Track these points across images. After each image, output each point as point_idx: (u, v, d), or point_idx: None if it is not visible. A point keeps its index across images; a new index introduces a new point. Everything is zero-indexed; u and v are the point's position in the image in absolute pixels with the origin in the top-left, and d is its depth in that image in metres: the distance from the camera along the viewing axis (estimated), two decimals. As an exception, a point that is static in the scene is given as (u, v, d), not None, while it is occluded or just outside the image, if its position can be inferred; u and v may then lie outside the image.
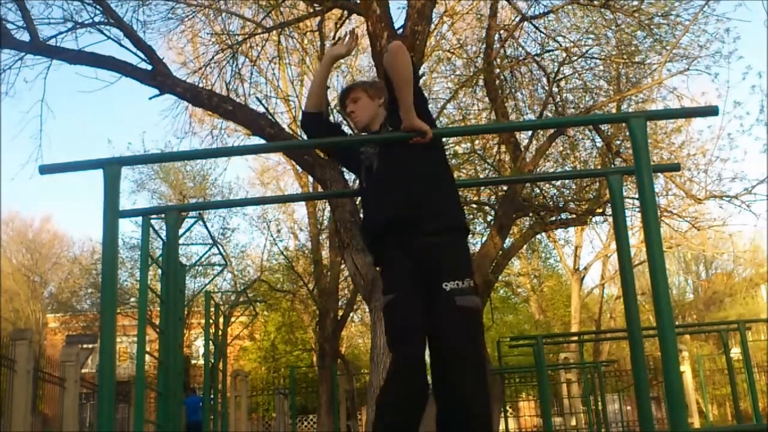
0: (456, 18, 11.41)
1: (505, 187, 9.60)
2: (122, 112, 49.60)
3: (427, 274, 3.01)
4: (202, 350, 22.27)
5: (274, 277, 20.32)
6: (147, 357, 4.00)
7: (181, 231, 4.67)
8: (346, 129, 3.94)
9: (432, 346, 2.96)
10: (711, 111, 2.96)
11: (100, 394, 2.75)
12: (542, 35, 9.67)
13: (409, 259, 3.06)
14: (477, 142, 10.63)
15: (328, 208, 11.65)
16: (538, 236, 13.18)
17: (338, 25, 11.04)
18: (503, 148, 10.12)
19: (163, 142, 20.22)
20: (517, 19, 9.51)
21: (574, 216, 10.56)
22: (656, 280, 2.60)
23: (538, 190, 10.56)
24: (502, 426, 11.01)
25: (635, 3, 9.03)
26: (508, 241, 10.36)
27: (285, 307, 20.11)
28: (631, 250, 3.59)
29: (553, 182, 10.52)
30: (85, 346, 21.50)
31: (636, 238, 15.49)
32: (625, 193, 3.49)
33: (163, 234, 3.93)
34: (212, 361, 8.43)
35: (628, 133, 3.23)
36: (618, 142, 9.98)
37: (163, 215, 3.98)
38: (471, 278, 3.06)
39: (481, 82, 10.00)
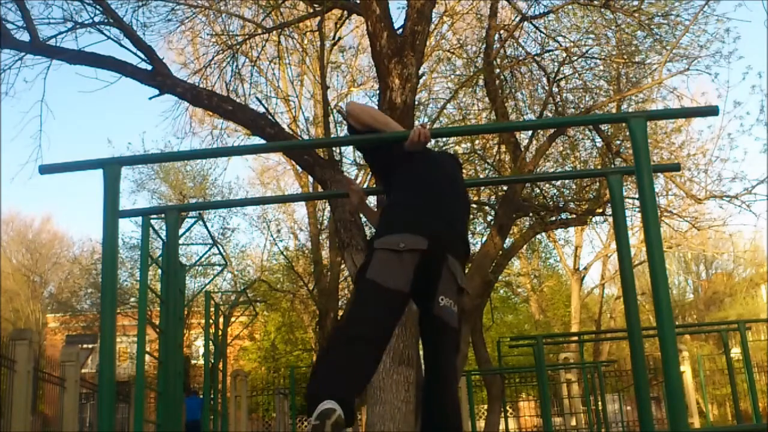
0: (456, 18, 11.41)
1: (505, 187, 9.60)
2: (122, 112, 49.60)
3: None
4: (202, 350, 22.27)
5: (274, 277, 20.32)
6: (147, 357, 4.00)
7: (181, 231, 4.67)
8: None
9: None
10: (711, 111, 2.96)
11: (100, 394, 2.76)
12: (542, 35, 9.68)
13: None
14: (477, 142, 10.63)
15: (328, 208, 11.65)
16: (538, 236, 13.18)
17: (338, 25, 11.05)
18: (503, 148, 10.12)
19: (163, 143, 20.19)
20: (517, 19, 9.51)
21: (574, 216, 10.57)
22: (656, 280, 2.60)
23: (538, 190, 10.56)
24: (502, 426, 11.01)
25: (635, 3, 9.03)
26: (508, 241, 10.37)
27: (285, 307, 20.10)
28: (631, 250, 3.59)
29: (553, 182, 10.52)
30: (85, 346, 21.52)
31: (636, 238, 15.52)
32: (625, 193, 3.49)
33: (163, 234, 3.93)
34: (212, 361, 8.44)
35: (628, 133, 3.23)
36: (618, 142, 9.98)
37: (163, 215, 3.98)
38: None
39: (481, 82, 10.01)
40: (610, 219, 9.32)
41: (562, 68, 9.65)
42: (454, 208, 3.11)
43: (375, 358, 2.73)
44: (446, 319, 2.86)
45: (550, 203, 10.49)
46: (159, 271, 3.95)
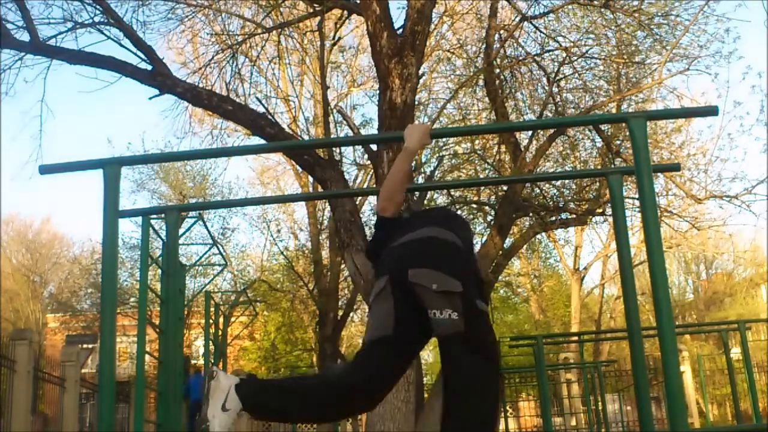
0: (456, 18, 11.41)
1: (505, 187, 9.59)
2: (122, 112, 49.57)
3: None
4: (202, 350, 22.26)
5: (274, 277, 20.31)
6: (147, 357, 4.00)
7: (181, 231, 4.67)
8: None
9: None
10: (711, 111, 2.96)
11: (100, 394, 2.76)
12: (542, 35, 9.67)
13: None
14: (477, 142, 10.63)
15: (328, 208, 11.65)
16: (538, 236, 13.18)
17: (338, 25, 11.05)
18: (503, 148, 10.12)
19: (163, 142, 20.18)
20: (517, 19, 9.51)
21: (574, 216, 10.56)
22: (656, 280, 2.60)
23: (538, 190, 10.55)
24: (502, 426, 11.01)
25: (635, 3, 9.03)
26: (508, 241, 10.36)
27: (285, 307, 20.10)
28: (631, 250, 3.58)
29: (553, 182, 10.51)
30: (85, 346, 21.52)
31: (636, 238, 15.51)
32: (625, 193, 3.49)
33: (163, 234, 3.93)
34: (212, 361, 8.44)
35: (628, 133, 3.23)
36: (618, 142, 9.98)
37: (163, 215, 3.98)
38: None
39: (481, 82, 10.00)
40: (610, 219, 9.31)
41: (562, 68, 9.65)
42: (422, 235, 3.00)
43: (332, 401, 2.83)
44: (441, 332, 2.83)
45: (550, 203, 10.48)
46: (159, 271, 3.95)
